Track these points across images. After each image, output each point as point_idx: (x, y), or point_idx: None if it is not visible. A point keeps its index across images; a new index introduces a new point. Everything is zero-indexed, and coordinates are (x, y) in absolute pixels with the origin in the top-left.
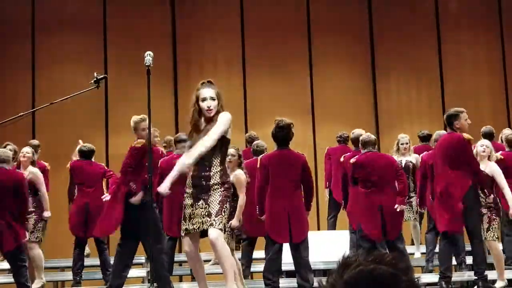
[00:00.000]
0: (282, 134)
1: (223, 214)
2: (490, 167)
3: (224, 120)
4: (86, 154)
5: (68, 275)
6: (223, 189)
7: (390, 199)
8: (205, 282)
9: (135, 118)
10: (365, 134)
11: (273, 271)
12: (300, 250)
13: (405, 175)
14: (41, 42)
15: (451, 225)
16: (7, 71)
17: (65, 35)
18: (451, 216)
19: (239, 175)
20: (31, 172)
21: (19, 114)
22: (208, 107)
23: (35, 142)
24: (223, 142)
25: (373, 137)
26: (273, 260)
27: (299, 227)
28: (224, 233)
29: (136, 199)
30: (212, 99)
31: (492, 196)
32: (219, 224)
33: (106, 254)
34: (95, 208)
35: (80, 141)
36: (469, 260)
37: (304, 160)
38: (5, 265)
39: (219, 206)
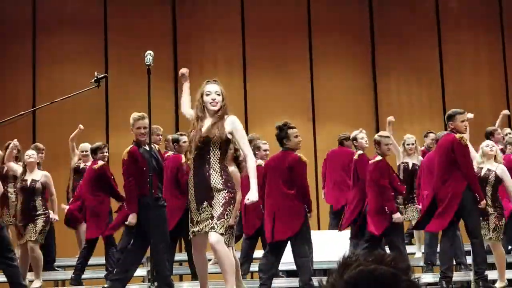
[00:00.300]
0: (277, 136)
1: (225, 217)
2: (501, 169)
3: (242, 131)
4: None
5: (69, 274)
6: (226, 191)
7: (371, 199)
8: (206, 282)
9: (134, 115)
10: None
11: (263, 269)
12: (293, 250)
13: (383, 179)
14: (41, 42)
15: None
16: (8, 70)
17: (65, 34)
18: (442, 217)
19: (234, 173)
20: (44, 175)
21: (19, 113)
22: (213, 99)
23: (40, 145)
24: (224, 141)
25: (376, 138)
26: (265, 258)
27: (281, 227)
28: (225, 234)
29: (130, 221)
30: (217, 94)
31: (484, 201)
32: (220, 228)
33: (111, 253)
34: (86, 210)
35: (81, 126)
36: (469, 260)
37: (292, 159)
38: None
39: (222, 209)
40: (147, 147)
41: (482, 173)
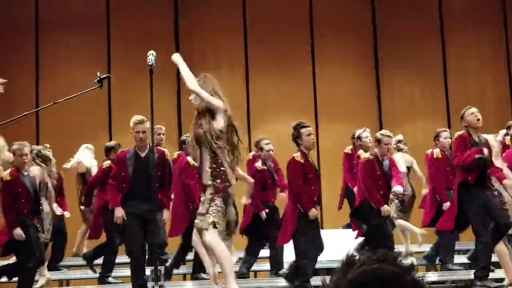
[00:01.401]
0: (292, 137)
1: (211, 212)
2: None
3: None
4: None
5: (72, 274)
6: (212, 186)
7: (358, 196)
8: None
9: (134, 118)
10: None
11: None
12: (294, 250)
13: (368, 179)
14: (44, 42)
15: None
16: (11, 70)
17: (68, 35)
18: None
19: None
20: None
21: (23, 114)
22: (190, 99)
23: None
24: (210, 139)
25: (378, 136)
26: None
27: (281, 232)
28: (221, 230)
29: (117, 215)
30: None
31: None
32: (206, 224)
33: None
34: (95, 210)
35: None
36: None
37: (289, 162)
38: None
39: (207, 205)
40: (141, 153)
41: None
